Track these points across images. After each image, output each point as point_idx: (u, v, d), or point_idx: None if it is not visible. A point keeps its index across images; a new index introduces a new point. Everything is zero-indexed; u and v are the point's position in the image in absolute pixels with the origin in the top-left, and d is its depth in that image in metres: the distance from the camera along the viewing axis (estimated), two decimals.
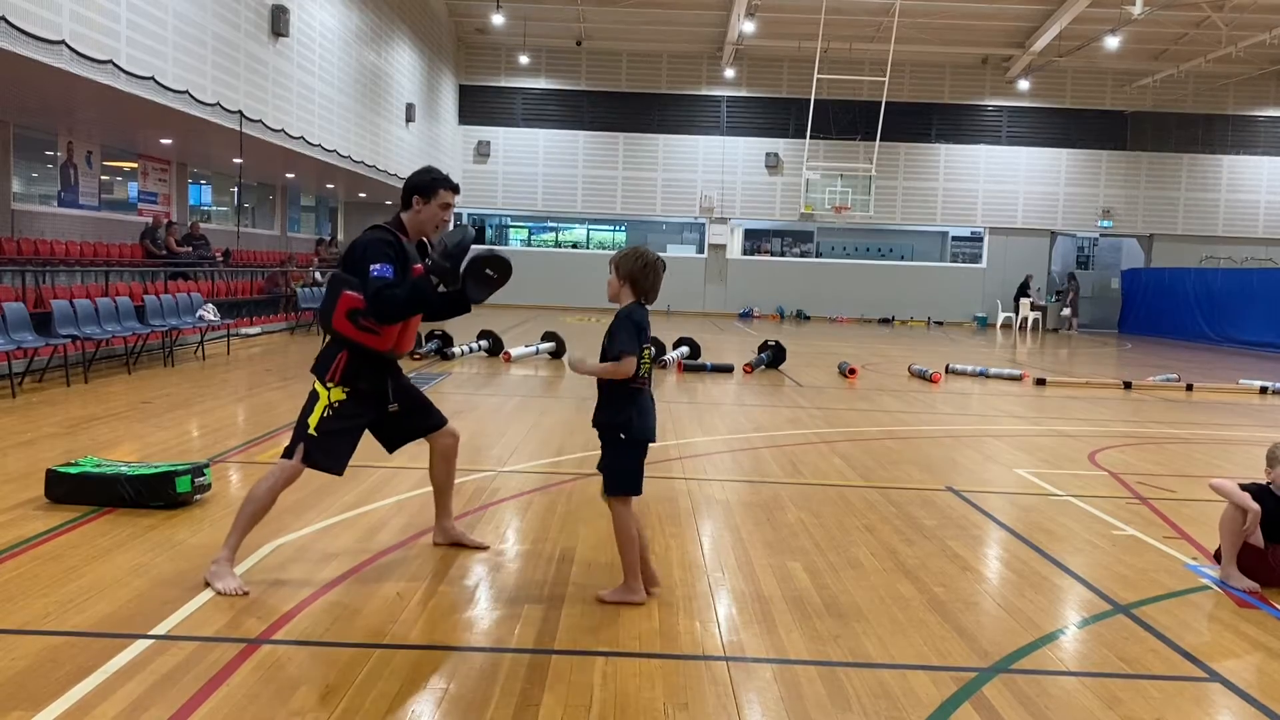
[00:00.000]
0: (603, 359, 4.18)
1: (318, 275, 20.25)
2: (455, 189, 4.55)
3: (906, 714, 3.26)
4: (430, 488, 4.93)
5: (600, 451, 4.26)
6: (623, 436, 4.16)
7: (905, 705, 3.32)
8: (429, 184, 4.44)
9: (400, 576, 4.46)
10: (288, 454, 4.32)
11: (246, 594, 4.09)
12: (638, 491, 4.24)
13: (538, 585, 4.41)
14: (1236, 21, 25.27)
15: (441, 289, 4.26)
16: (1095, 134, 31.62)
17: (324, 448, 4.29)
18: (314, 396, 4.34)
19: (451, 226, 4.48)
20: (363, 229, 4.53)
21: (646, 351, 4.19)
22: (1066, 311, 30.36)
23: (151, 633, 3.69)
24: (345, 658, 3.56)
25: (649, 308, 4.31)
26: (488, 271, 4.20)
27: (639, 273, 4.25)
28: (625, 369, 4.09)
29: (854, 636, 3.93)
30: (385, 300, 4.17)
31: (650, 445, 4.27)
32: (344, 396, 4.30)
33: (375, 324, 4.26)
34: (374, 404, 4.44)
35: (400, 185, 4.68)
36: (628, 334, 4.11)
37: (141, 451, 6.95)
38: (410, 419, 4.63)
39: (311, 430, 4.28)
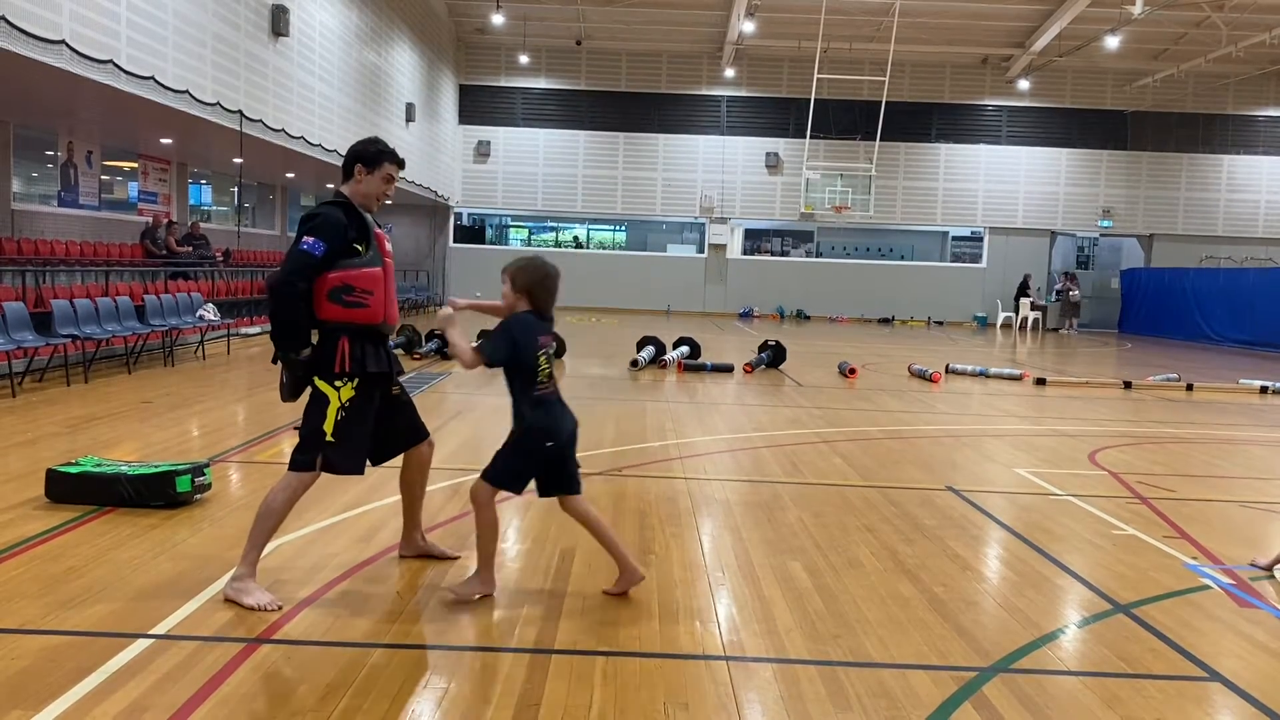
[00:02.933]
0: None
1: None
2: (401, 164, 4.41)
3: (906, 714, 3.26)
4: (400, 497, 4.72)
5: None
6: (518, 437, 4.16)
7: (905, 705, 3.32)
8: (375, 155, 4.29)
9: (400, 576, 4.46)
10: (303, 465, 4.14)
11: (280, 608, 3.95)
12: (513, 490, 4.24)
13: (538, 585, 4.41)
14: (1236, 21, 25.26)
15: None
16: (1095, 134, 31.61)
17: (343, 451, 4.17)
18: (322, 399, 4.16)
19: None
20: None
21: (543, 356, 4.13)
22: (1055, 296, 30.27)
23: (151, 633, 3.69)
24: (345, 658, 3.56)
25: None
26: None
27: (536, 285, 4.15)
28: (465, 360, 4.05)
29: (854, 636, 3.93)
30: (287, 281, 4.07)
31: (548, 449, 4.17)
32: (354, 393, 4.16)
33: (360, 297, 4.14)
34: (381, 387, 4.31)
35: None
36: (498, 342, 4.08)
37: (142, 451, 6.96)
38: (400, 421, 4.49)
39: (329, 437, 4.13)
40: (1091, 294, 32.47)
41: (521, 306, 4.16)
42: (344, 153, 4.40)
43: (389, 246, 4.42)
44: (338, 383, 4.16)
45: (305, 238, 4.10)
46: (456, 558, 4.73)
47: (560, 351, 14.99)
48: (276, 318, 4.15)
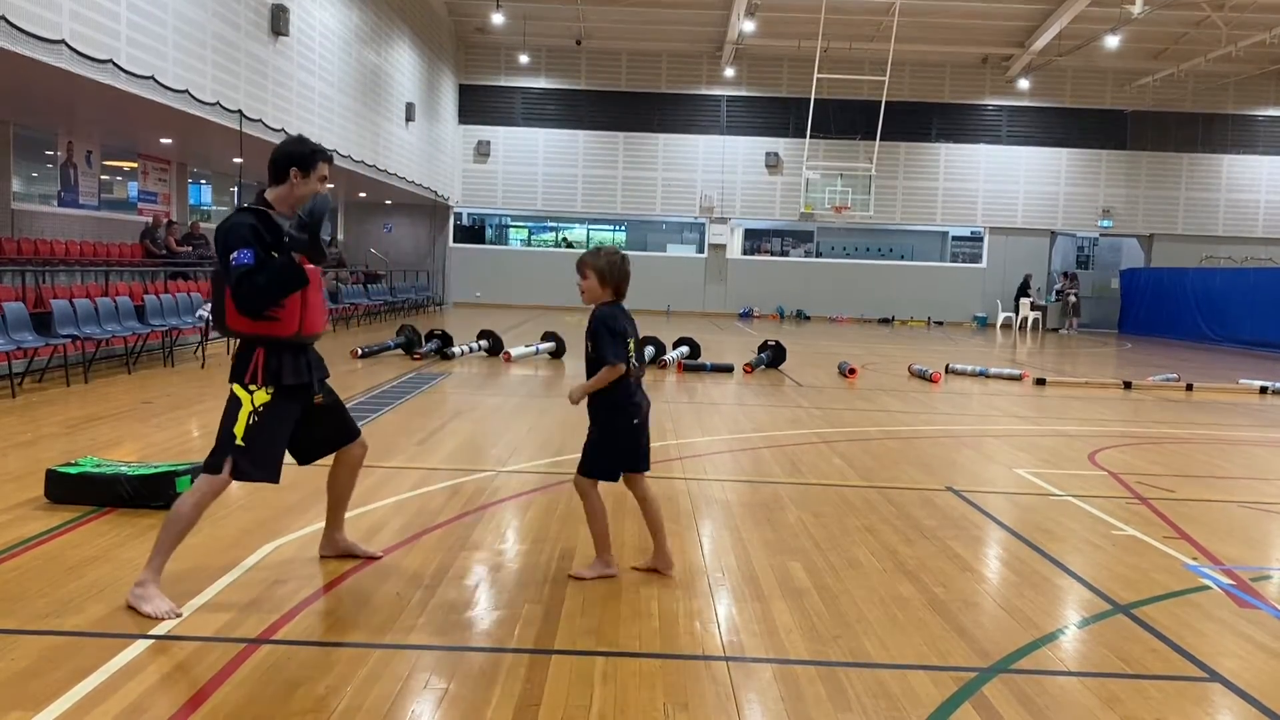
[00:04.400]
0: (588, 369, 4.43)
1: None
2: (330, 160, 4.26)
3: (906, 714, 3.26)
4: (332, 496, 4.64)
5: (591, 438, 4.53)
6: (614, 424, 4.46)
7: (905, 705, 3.32)
8: (309, 155, 4.10)
9: (400, 576, 4.46)
10: (212, 467, 4.01)
11: (180, 615, 3.83)
12: (613, 478, 4.54)
13: (538, 585, 4.41)
14: (1236, 21, 25.26)
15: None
16: (1095, 134, 31.61)
17: (254, 457, 4.00)
18: (235, 402, 4.04)
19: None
20: (361, 226, 4.42)
21: (633, 343, 4.45)
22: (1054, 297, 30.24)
23: (151, 633, 3.69)
24: (345, 658, 3.56)
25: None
26: (322, 236, 3.96)
27: (620, 276, 4.48)
28: (607, 380, 4.34)
29: (854, 636, 3.93)
30: (245, 289, 3.86)
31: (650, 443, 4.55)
32: (268, 398, 4.02)
33: (264, 310, 3.94)
34: (300, 399, 4.18)
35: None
36: (613, 341, 4.36)
37: (141, 451, 6.95)
38: (328, 422, 4.39)
39: (239, 440, 3.99)
40: (1091, 294, 32.47)
41: (607, 297, 4.45)
42: (342, 152, 4.36)
43: None
44: (252, 387, 4.04)
45: (232, 254, 3.88)
46: (378, 557, 4.67)
47: (560, 351, 15.02)
48: (280, 291, 3.93)
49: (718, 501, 6.16)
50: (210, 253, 17.51)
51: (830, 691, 3.41)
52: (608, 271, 4.43)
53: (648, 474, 4.59)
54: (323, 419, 4.39)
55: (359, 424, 4.67)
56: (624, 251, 4.57)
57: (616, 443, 4.46)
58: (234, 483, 4.11)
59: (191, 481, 5.46)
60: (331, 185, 4.33)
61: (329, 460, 4.55)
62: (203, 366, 12.38)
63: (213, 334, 13.72)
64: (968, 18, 27.69)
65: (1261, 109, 31.58)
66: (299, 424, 4.23)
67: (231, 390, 4.10)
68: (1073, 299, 30.34)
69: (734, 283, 32.13)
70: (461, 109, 31.51)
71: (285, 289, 3.94)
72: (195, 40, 13.62)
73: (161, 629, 3.73)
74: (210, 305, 4.25)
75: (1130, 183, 31.81)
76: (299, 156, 4.10)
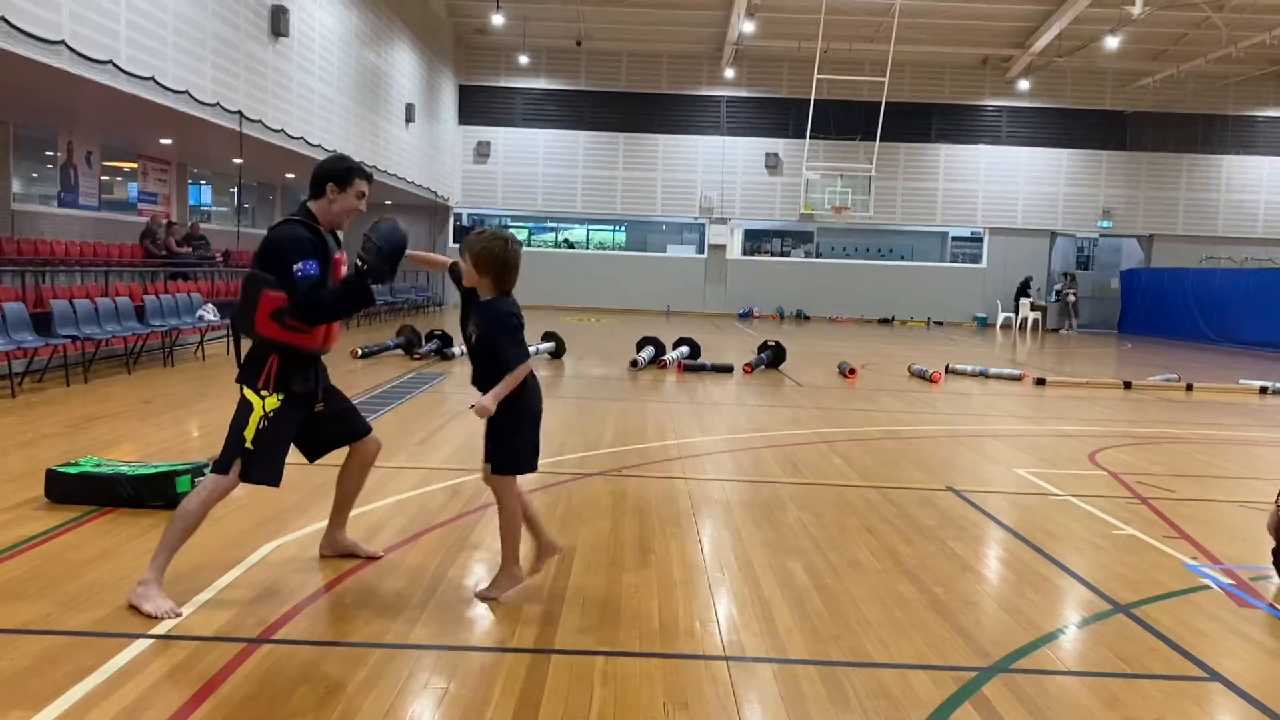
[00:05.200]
0: (483, 366, 4.16)
1: None
2: (369, 178, 4.37)
3: (906, 714, 3.26)
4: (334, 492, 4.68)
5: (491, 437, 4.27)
6: (519, 412, 4.22)
7: (905, 705, 3.32)
8: (345, 172, 4.22)
9: (400, 576, 4.46)
10: (221, 468, 4.09)
11: (180, 615, 3.86)
12: (531, 469, 4.37)
13: (538, 585, 4.41)
14: (1236, 21, 25.26)
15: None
16: (1095, 134, 31.61)
17: (261, 461, 4.09)
18: (246, 406, 4.10)
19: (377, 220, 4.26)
20: (360, 226, 4.43)
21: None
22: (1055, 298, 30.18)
23: (151, 633, 3.69)
24: (345, 658, 3.56)
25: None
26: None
27: (502, 269, 4.04)
28: (518, 380, 4.07)
29: (854, 636, 3.93)
30: (313, 301, 3.99)
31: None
32: (279, 404, 4.10)
33: (303, 324, 4.06)
34: (305, 407, 4.26)
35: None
36: (516, 337, 4.07)
37: (141, 451, 6.95)
38: (335, 425, 4.44)
39: (249, 444, 4.07)
40: (1091, 294, 32.47)
41: (485, 289, 4.08)
42: (344, 153, 4.37)
43: (345, 270, 4.29)
44: (264, 392, 4.09)
45: (296, 264, 3.98)
46: (379, 556, 4.68)
47: (560, 352, 15.02)
48: (345, 309, 4.14)
49: (718, 501, 6.16)
50: (210, 253, 17.53)
51: (830, 691, 3.41)
52: (484, 260, 4.02)
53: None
54: (333, 419, 4.44)
55: None
56: (508, 236, 4.09)
57: (533, 431, 4.29)
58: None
59: (191, 482, 5.49)
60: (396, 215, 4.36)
61: (335, 459, 4.56)
62: (203, 361, 12.37)
63: (211, 334, 13.72)
64: (968, 18, 27.69)
65: (1261, 109, 31.58)
66: (306, 423, 4.30)
67: (242, 393, 4.14)
68: (1072, 299, 30.35)
69: (734, 283, 32.13)
70: (461, 110, 31.52)
71: (353, 308, 4.15)
72: (195, 41, 13.63)
73: (162, 629, 3.73)
74: (237, 307, 4.25)
75: (1130, 183, 31.81)
76: (335, 173, 4.22)
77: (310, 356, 4.24)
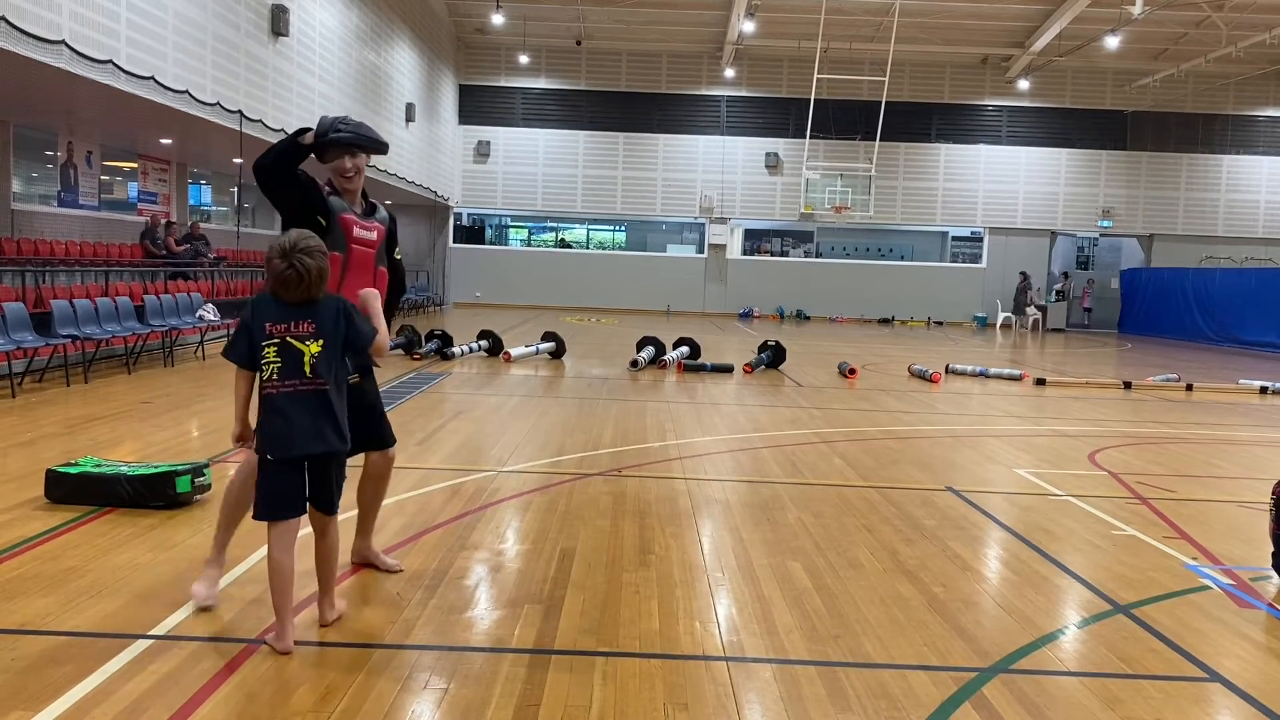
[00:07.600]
0: None
1: None
2: (343, 146, 4.24)
3: (906, 714, 3.26)
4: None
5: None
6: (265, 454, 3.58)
7: (905, 705, 3.32)
8: (319, 149, 4.19)
9: (400, 576, 4.46)
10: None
11: (209, 608, 3.89)
12: (277, 517, 3.58)
13: (538, 585, 4.41)
14: (1236, 21, 25.27)
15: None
16: (1095, 134, 31.61)
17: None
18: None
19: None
20: (374, 193, 4.37)
21: (270, 349, 3.58)
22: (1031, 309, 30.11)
23: (151, 633, 3.69)
24: (345, 658, 3.56)
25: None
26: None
27: (268, 265, 3.63)
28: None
29: (854, 636, 3.93)
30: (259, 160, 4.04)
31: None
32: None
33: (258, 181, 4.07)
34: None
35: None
36: (235, 334, 3.72)
37: (141, 451, 6.95)
38: (360, 424, 4.14)
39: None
40: (1091, 294, 32.49)
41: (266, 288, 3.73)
42: None
43: (362, 235, 4.20)
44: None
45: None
46: (399, 570, 4.55)
47: (560, 352, 15.02)
48: (272, 152, 4.06)
49: (718, 501, 6.16)
50: (209, 253, 17.53)
51: (830, 691, 3.41)
52: (267, 264, 3.64)
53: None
54: (356, 418, 4.27)
55: None
56: (290, 244, 3.54)
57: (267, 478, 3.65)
58: (209, 488, 4.13)
59: (191, 482, 5.49)
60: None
61: (354, 464, 4.51)
62: (203, 360, 12.38)
63: (211, 334, 13.72)
64: (968, 18, 27.69)
65: (1261, 109, 31.58)
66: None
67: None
68: (1070, 293, 30.36)
69: (734, 283, 32.13)
70: (461, 109, 31.51)
71: (276, 151, 4.05)
72: (195, 40, 13.62)
73: (161, 629, 3.73)
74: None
75: (1130, 183, 31.81)
76: (317, 148, 4.23)
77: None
